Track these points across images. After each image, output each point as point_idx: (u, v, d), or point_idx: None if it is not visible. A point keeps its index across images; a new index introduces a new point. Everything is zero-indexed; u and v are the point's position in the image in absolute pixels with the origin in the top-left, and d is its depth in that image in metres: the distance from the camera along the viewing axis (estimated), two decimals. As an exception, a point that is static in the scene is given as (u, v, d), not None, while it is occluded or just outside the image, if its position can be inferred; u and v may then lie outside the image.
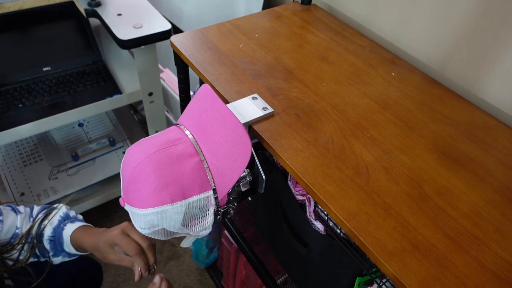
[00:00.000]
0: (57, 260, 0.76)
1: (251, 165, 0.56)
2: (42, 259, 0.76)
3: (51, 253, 0.74)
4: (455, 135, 0.61)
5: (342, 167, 0.53)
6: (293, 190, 0.64)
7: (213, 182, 0.52)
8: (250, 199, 0.81)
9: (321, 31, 0.82)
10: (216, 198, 0.52)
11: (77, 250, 0.74)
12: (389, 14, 0.79)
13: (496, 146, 0.60)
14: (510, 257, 0.45)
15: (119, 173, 1.37)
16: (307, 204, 0.61)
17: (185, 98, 0.86)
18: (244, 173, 0.56)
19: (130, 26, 1.06)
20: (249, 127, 0.59)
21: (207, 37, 0.77)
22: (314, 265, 0.67)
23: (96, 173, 1.40)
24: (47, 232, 0.73)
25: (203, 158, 0.52)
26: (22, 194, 1.31)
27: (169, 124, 1.47)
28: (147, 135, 1.47)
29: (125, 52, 1.39)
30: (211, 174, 0.52)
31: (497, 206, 0.51)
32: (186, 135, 0.53)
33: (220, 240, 1.20)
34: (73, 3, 1.20)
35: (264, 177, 0.56)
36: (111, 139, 1.47)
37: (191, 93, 0.86)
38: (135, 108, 1.70)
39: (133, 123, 1.60)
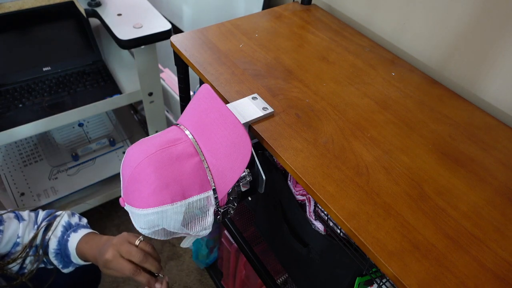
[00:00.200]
0: (67, 270, 0.75)
1: (251, 165, 0.56)
2: (50, 267, 0.75)
3: (60, 266, 0.74)
4: (455, 135, 0.61)
5: (342, 167, 0.53)
6: (293, 190, 0.64)
7: (213, 182, 0.52)
8: (250, 199, 0.81)
9: (321, 31, 0.82)
10: (216, 198, 0.52)
11: (84, 260, 0.73)
12: (389, 14, 0.79)
13: (496, 146, 0.60)
14: (510, 257, 0.45)
15: (119, 173, 1.37)
16: (307, 204, 0.61)
17: (185, 98, 0.86)
18: (244, 173, 0.56)
19: (130, 26, 1.06)
20: (249, 127, 0.59)
21: (207, 37, 0.77)
22: (314, 265, 0.67)
23: (96, 173, 1.40)
24: (52, 245, 0.72)
25: (203, 158, 0.52)
26: (22, 194, 1.31)
27: (169, 124, 1.47)
28: (147, 135, 1.47)
29: (125, 52, 1.39)
30: (211, 174, 0.52)
31: (497, 206, 0.51)
32: (186, 135, 0.53)
33: (220, 240, 1.20)
34: (73, 3, 1.20)
35: (264, 177, 0.56)
36: (111, 139, 1.47)
37: (191, 93, 0.86)
38: (135, 108, 1.70)
39: (133, 123, 1.60)
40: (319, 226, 0.60)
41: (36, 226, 0.73)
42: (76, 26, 1.25)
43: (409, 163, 0.55)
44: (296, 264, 0.74)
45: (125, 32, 1.03)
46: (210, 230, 0.55)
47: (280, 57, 0.73)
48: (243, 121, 0.57)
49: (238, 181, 0.55)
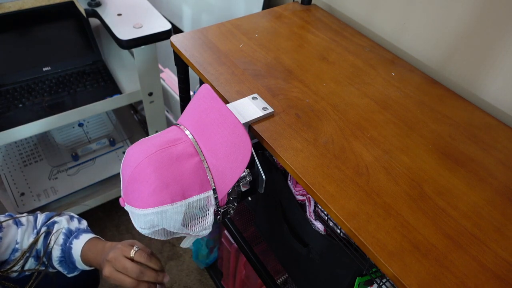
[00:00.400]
0: (72, 274, 0.75)
1: (251, 165, 0.56)
2: (52, 270, 0.75)
3: (65, 271, 0.74)
4: (455, 135, 0.61)
5: (342, 167, 0.53)
6: (293, 190, 0.64)
7: (213, 182, 0.52)
8: (250, 199, 0.81)
9: (321, 31, 0.82)
10: (216, 198, 0.52)
11: (89, 266, 0.73)
12: (389, 14, 0.79)
13: (496, 146, 0.60)
14: (510, 257, 0.45)
15: (119, 173, 1.37)
16: (307, 204, 0.61)
17: (185, 98, 0.86)
18: (244, 173, 0.56)
19: (130, 26, 1.06)
20: (249, 127, 0.59)
21: (207, 37, 0.77)
22: (314, 265, 0.67)
23: (96, 173, 1.40)
24: (56, 253, 0.72)
25: (203, 158, 0.52)
26: (22, 194, 1.31)
27: (169, 124, 1.47)
28: (147, 135, 1.47)
29: (125, 52, 1.39)
30: (211, 174, 0.52)
31: (497, 206, 0.51)
32: (186, 135, 0.53)
33: (220, 240, 1.20)
34: (73, 3, 1.20)
35: (264, 177, 0.56)
36: (111, 139, 1.47)
37: (191, 93, 0.86)
38: (135, 108, 1.70)
39: (133, 123, 1.60)
40: (319, 226, 0.60)
41: (35, 231, 0.73)
42: (76, 26, 1.25)
43: (409, 163, 0.55)
44: (296, 264, 0.74)
45: (125, 32, 1.03)
46: (210, 230, 0.55)
47: (280, 57, 0.73)
48: (243, 121, 0.57)
49: (238, 181, 0.55)
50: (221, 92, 0.64)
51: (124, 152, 1.48)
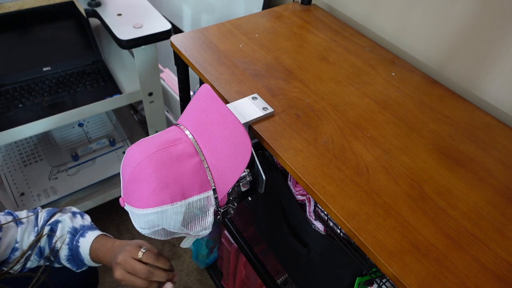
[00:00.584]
0: (82, 270, 0.76)
1: (251, 165, 0.56)
2: (57, 265, 0.75)
3: (74, 268, 0.74)
4: (455, 135, 0.61)
5: (342, 167, 0.53)
6: (293, 190, 0.64)
7: (213, 182, 0.52)
8: (250, 199, 0.81)
9: (321, 31, 0.82)
10: (216, 198, 0.52)
11: (98, 264, 0.74)
12: (389, 14, 0.79)
13: (496, 146, 0.60)
14: (510, 257, 0.45)
15: (119, 173, 1.37)
16: (307, 204, 0.61)
17: (185, 98, 0.86)
18: (244, 173, 0.56)
19: (130, 26, 1.06)
20: (249, 127, 0.59)
21: (207, 37, 0.77)
22: (314, 265, 0.67)
23: (96, 173, 1.40)
24: (63, 252, 0.72)
25: (203, 158, 0.52)
26: (22, 194, 1.31)
27: (169, 124, 1.47)
28: (147, 135, 1.47)
29: (125, 52, 1.39)
30: (211, 174, 0.52)
31: (497, 206, 0.51)
32: (186, 135, 0.53)
33: (220, 240, 1.20)
34: (73, 3, 1.20)
35: (264, 177, 0.56)
36: (111, 139, 1.47)
37: (191, 93, 0.86)
38: (135, 108, 1.70)
39: (133, 123, 1.60)
40: (319, 226, 0.60)
41: (36, 229, 0.72)
42: (76, 26, 1.25)
43: (409, 163, 0.55)
44: (296, 264, 0.74)
45: (125, 32, 1.03)
46: (210, 230, 0.55)
47: (280, 57, 0.73)
48: (243, 121, 0.57)
49: (238, 181, 0.55)
50: (221, 92, 0.64)
51: (124, 152, 1.48)
